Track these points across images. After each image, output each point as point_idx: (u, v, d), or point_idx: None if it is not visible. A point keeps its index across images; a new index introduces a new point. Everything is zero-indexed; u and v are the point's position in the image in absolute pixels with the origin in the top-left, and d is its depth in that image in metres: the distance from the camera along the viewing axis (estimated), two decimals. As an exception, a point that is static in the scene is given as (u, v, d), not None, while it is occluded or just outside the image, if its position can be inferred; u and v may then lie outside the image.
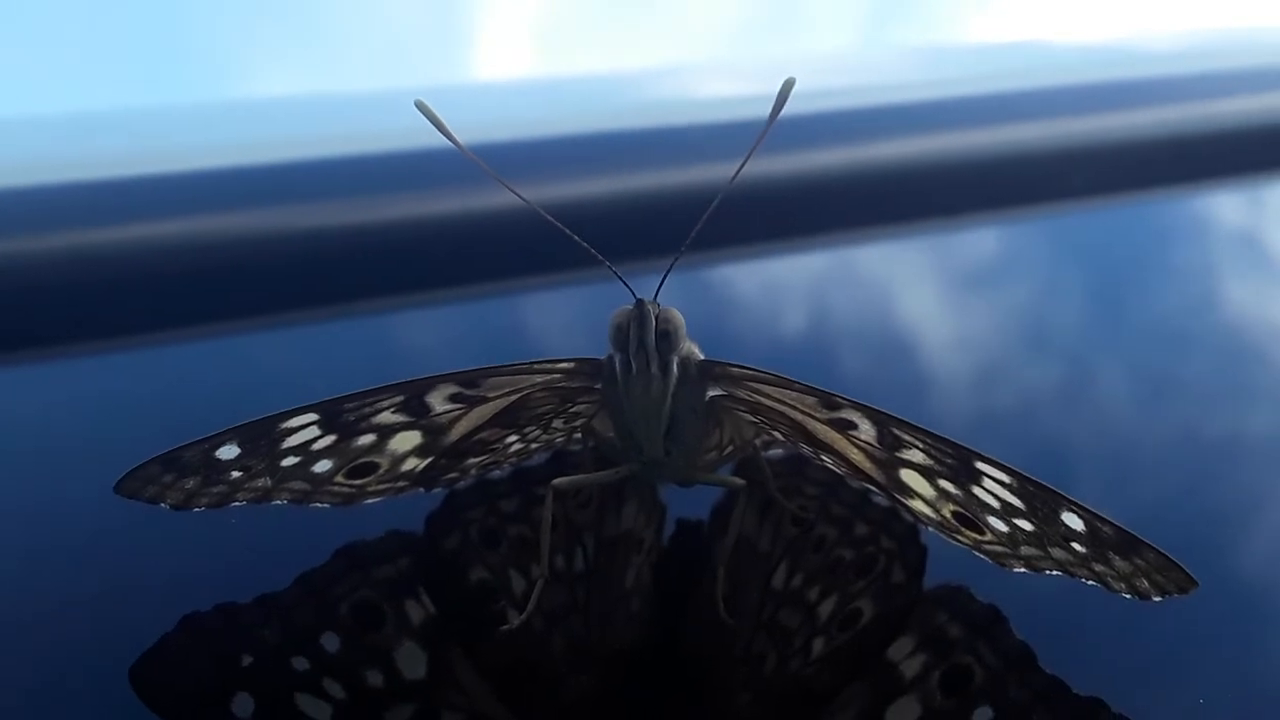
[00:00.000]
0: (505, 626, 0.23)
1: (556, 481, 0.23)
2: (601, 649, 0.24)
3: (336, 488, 0.24)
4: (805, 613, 0.24)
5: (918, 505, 0.23)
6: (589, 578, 0.25)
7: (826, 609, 0.24)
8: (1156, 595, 0.23)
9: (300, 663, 0.23)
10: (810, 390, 0.23)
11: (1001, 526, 0.23)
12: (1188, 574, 0.23)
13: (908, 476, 0.23)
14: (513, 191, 0.24)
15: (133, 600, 0.25)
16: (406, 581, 0.25)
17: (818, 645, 0.24)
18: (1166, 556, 0.22)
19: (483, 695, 0.23)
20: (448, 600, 0.24)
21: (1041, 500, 0.22)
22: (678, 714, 0.22)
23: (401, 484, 0.25)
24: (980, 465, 0.22)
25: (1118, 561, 0.23)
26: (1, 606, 0.26)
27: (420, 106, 0.24)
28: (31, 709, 0.23)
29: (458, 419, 0.23)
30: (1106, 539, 0.22)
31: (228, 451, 0.23)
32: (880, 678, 0.23)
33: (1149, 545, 0.22)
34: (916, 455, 0.22)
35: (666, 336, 0.22)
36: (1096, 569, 0.23)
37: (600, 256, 0.23)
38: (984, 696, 0.23)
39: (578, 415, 0.24)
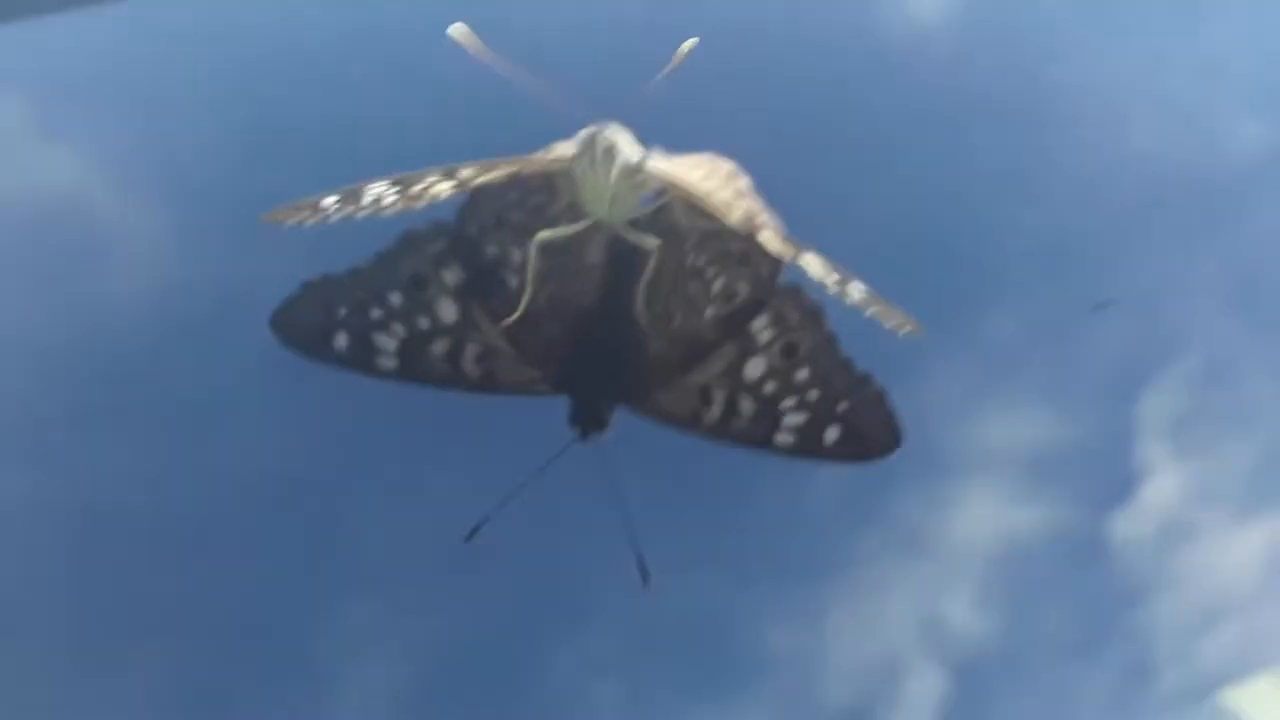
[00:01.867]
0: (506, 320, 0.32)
1: (540, 235, 0.31)
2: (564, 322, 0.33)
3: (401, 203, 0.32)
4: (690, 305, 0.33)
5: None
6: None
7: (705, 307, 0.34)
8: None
9: (375, 311, 0.33)
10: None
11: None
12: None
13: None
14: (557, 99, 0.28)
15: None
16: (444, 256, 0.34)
17: (700, 324, 0.33)
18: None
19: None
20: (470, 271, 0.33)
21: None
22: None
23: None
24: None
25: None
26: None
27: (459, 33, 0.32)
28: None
29: (476, 176, 0.31)
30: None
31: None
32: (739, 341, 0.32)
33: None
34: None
35: (609, 151, 0.30)
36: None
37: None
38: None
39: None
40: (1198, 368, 0.48)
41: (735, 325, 0.33)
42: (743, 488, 0.42)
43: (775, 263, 0.33)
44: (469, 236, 0.34)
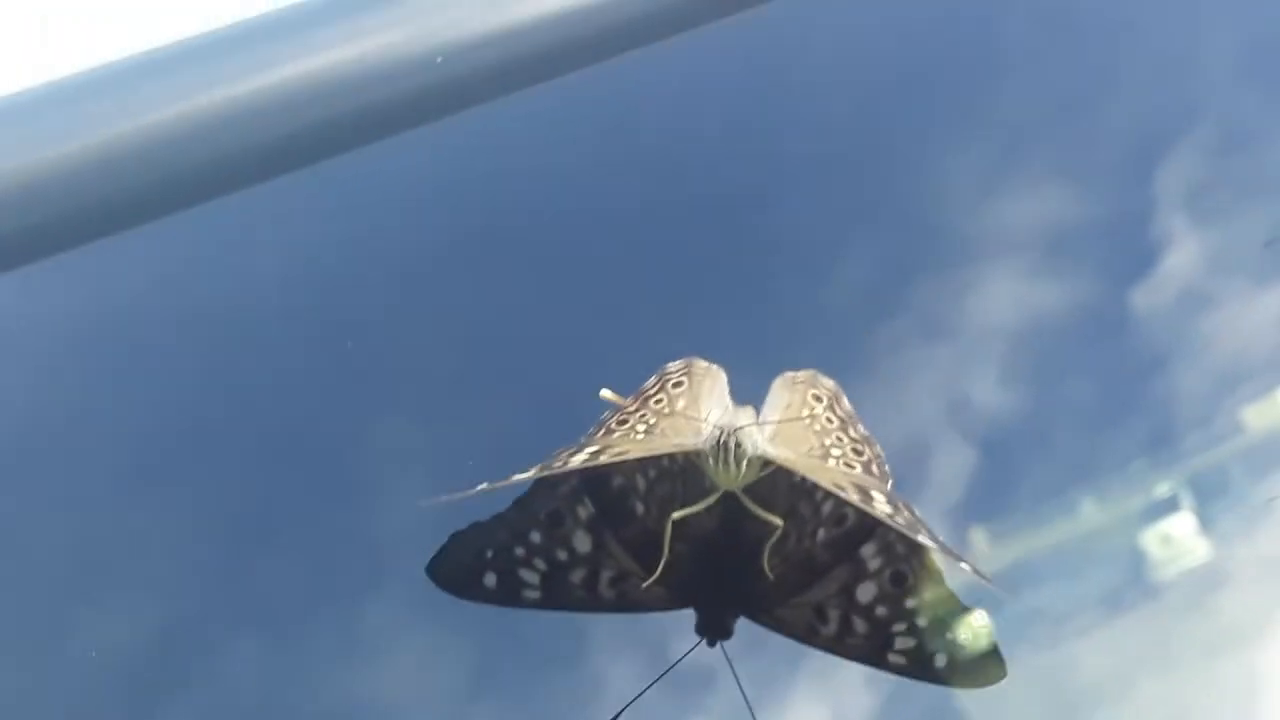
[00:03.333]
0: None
1: (674, 515, 0.34)
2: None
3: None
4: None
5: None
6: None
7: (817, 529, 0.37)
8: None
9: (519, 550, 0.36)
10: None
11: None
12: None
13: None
14: None
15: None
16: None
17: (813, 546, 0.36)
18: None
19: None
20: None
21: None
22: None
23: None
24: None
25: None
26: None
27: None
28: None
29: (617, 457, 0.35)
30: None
31: None
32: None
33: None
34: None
35: (739, 450, 0.34)
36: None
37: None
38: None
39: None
40: (1214, 137, 0.47)
41: (847, 550, 0.36)
42: (759, 289, 0.42)
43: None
44: (598, 475, 0.36)
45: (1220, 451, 0.41)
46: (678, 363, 0.39)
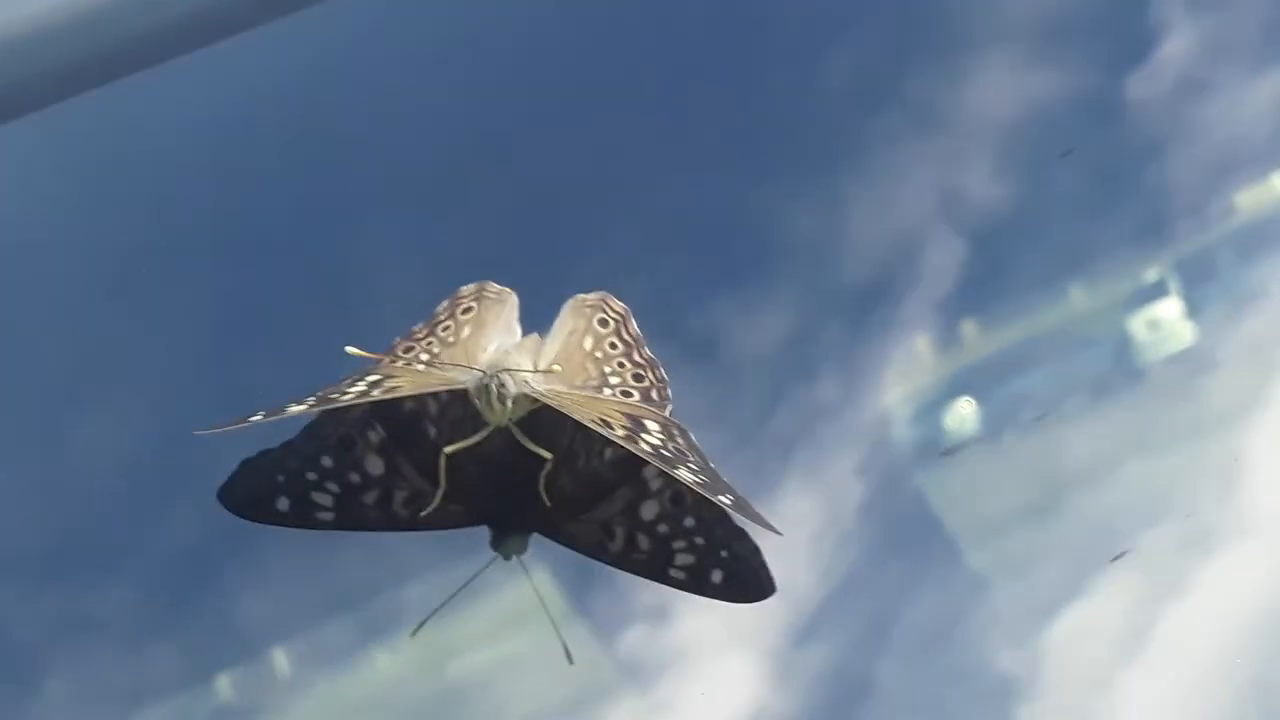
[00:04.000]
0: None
1: (447, 449, 0.36)
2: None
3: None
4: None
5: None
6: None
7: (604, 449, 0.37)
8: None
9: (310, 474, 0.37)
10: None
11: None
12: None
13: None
14: None
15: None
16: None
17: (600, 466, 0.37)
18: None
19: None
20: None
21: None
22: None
23: None
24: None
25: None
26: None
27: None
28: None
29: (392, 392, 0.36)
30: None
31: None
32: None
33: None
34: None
35: (502, 392, 0.35)
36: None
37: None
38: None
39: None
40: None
41: (631, 470, 0.37)
42: (754, 71, 0.41)
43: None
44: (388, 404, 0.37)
45: (1209, 236, 0.41)
46: (470, 286, 0.39)
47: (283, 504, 0.37)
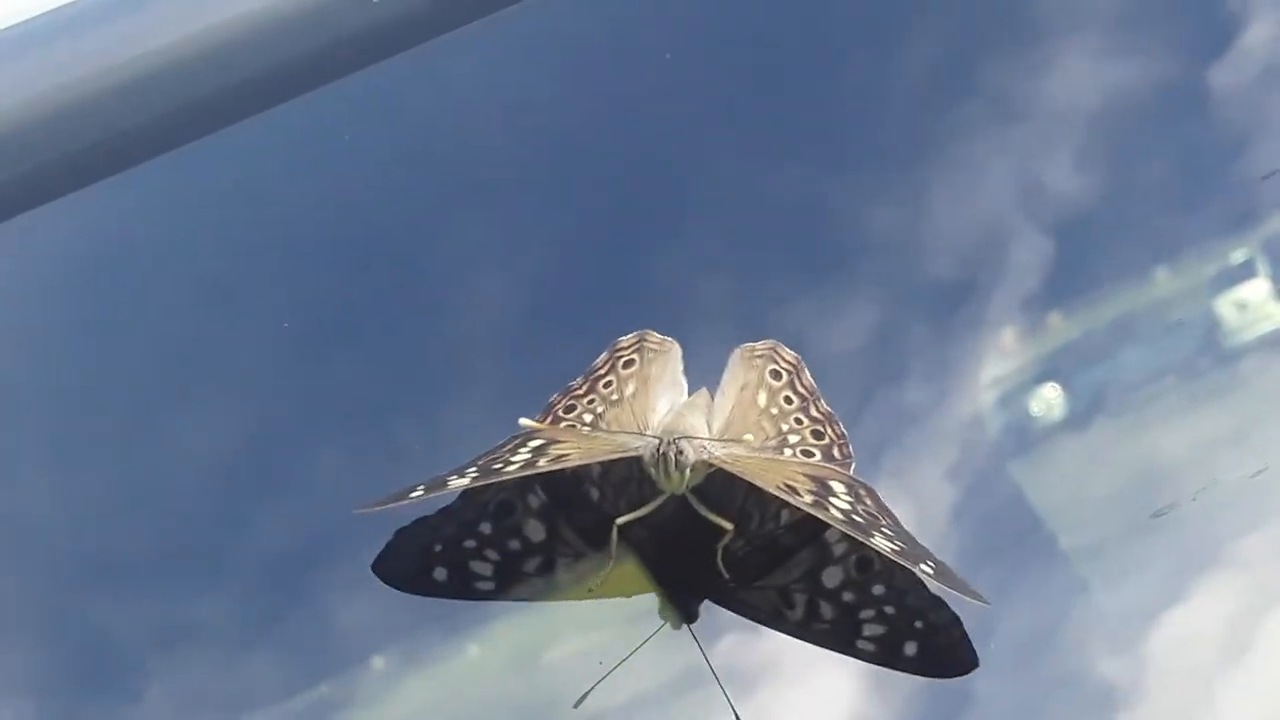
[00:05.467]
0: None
1: (619, 520, 0.34)
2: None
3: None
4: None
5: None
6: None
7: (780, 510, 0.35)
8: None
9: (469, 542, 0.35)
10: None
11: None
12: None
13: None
14: None
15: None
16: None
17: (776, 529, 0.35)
18: None
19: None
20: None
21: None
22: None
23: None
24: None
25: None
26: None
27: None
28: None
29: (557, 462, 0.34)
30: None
31: None
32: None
33: None
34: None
35: (680, 455, 0.33)
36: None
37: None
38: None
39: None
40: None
41: (811, 533, 0.34)
42: (834, 64, 0.40)
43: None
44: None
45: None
46: (629, 337, 0.37)
47: (440, 574, 0.35)
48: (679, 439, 0.33)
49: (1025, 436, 0.37)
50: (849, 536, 0.32)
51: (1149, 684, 0.33)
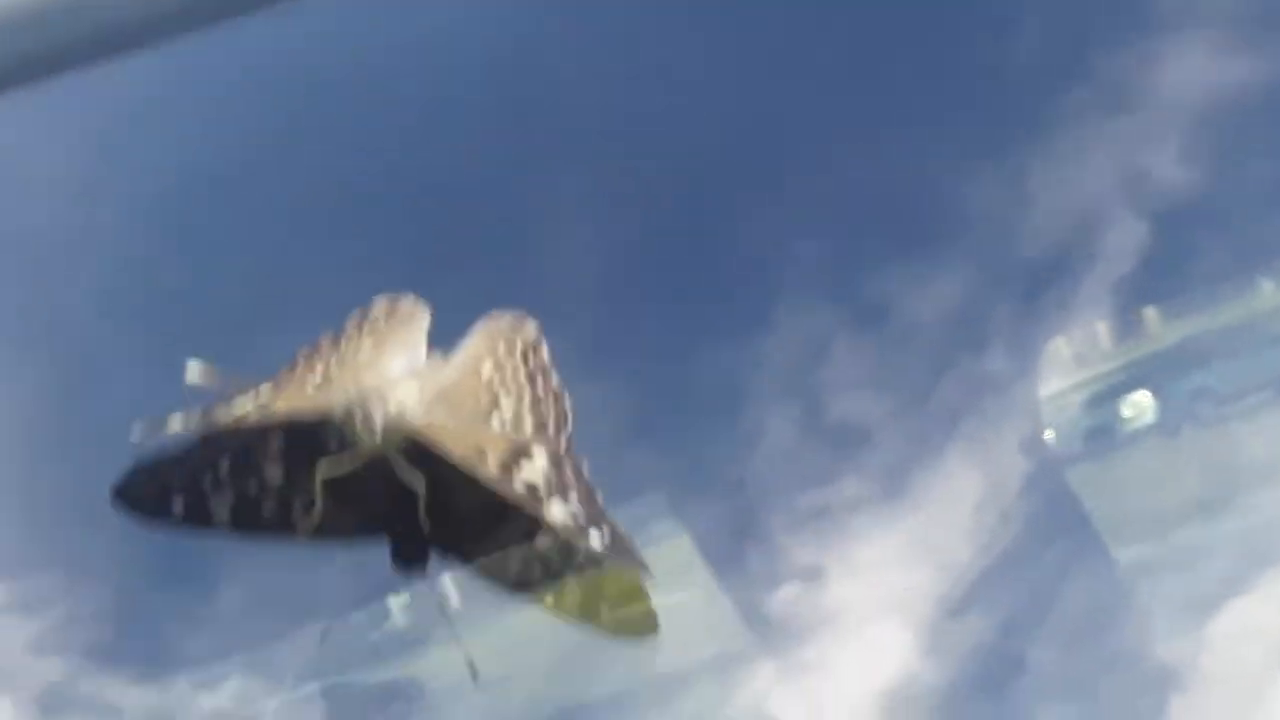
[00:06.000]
0: None
1: (322, 473, 0.36)
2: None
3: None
4: None
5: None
6: None
7: None
8: None
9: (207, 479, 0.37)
10: None
11: None
12: None
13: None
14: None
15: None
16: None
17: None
18: None
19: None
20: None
21: None
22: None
23: None
24: None
25: None
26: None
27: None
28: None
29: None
30: None
31: None
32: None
33: None
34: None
35: (367, 418, 0.35)
36: None
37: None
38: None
39: None
40: None
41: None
42: (944, 44, 0.41)
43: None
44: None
45: None
46: (383, 300, 0.39)
47: (178, 506, 0.37)
48: (368, 401, 0.35)
49: (1107, 427, 0.37)
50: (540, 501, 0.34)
51: (1202, 674, 0.34)
